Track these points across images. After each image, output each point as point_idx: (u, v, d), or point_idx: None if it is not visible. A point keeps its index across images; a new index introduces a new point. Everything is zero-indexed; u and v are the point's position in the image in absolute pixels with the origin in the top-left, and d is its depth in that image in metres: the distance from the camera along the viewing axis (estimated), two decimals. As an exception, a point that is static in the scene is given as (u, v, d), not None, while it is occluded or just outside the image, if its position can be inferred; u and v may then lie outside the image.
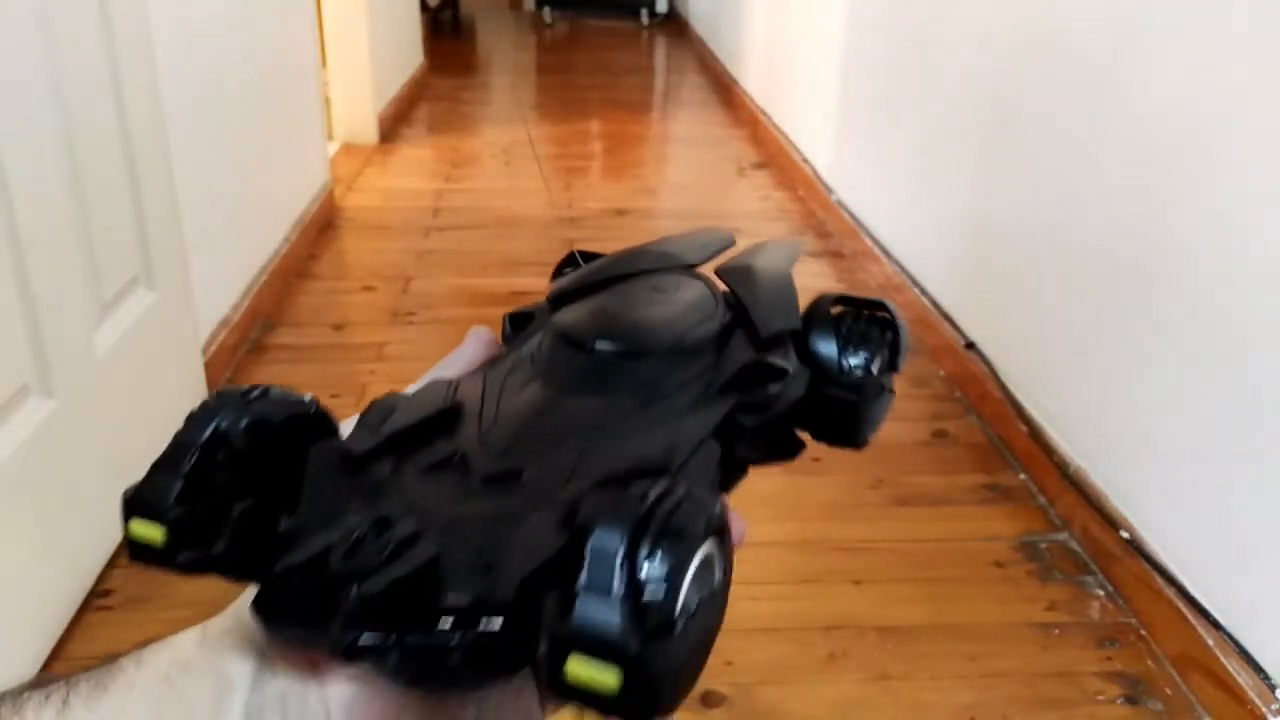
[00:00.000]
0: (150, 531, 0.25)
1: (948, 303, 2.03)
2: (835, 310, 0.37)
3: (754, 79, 3.82)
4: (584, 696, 0.20)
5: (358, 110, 3.36)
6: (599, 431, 0.28)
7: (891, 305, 0.36)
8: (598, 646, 0.20)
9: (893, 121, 2.37)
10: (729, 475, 0.31)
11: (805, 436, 0.36)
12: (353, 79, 3.33)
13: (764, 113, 3.57)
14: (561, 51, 5.68)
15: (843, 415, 0.35)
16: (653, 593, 0.21)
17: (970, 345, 1.88)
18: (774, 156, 3.33)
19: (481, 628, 0.22)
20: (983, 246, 1.89)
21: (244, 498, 0.26)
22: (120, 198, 1.41)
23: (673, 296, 0.34)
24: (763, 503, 1.55)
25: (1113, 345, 1.44)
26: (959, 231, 2.00)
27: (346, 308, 2.23)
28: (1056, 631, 1.32)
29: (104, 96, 1.36)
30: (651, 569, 0.21)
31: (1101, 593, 1.39)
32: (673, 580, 0.21)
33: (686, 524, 0.22)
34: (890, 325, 0.36)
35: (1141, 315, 1.37)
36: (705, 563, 0.22)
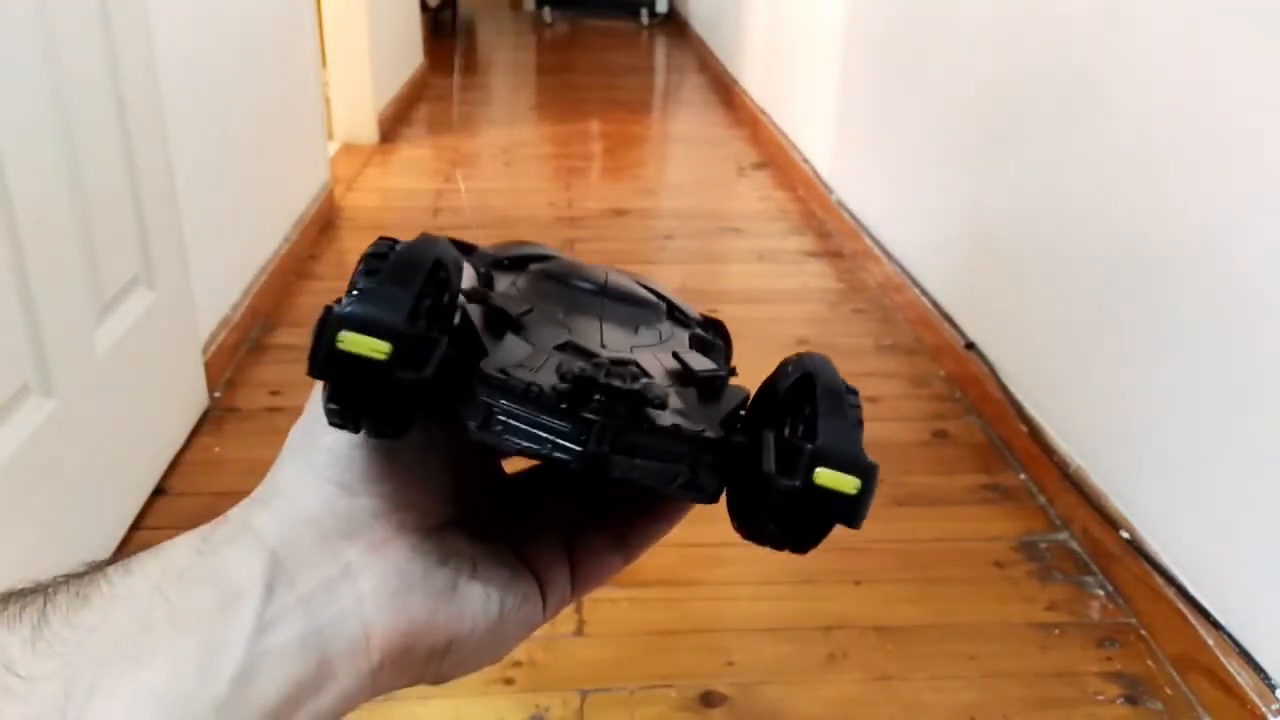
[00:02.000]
0: (373, 346, 0.25)
1: (948, 303, 2.03)
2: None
3: (754, 79, 3.82)
4: (819, 503, 0.27)
5: (358, 110, 3.36)
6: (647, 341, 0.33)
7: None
8: (844, 461, 0.27)
9: (893, 122, 2.37)
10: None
11: None
12: (353, 79, 3.33)
13: (764, 113, 3.57)
14: (561, 51, 5.68)
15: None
16: (860, 422, 0.28)
17: (970, 345, 1.88)
18: (774, 156, 3.33)
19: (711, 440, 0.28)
20: (983, 247, 1.89)
21: (447, 330, 0.27)
22: (120, 198, 1.41)
23: (617, 272, 0.38)
24: (763, 503, 1.55)
25: (1113, 345, 1.44)
26: (959, 231, 2.00)
27: (346, 308, 2.23)
28: (1056, 631, 1.32)
29: (104, 96, 1.36)
30: (857, 405, 0.29)
31: (1101, 593, 1.39)
32: (861, 414, 0.29)
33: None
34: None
35: (1142, 315, 1.38)
36: None
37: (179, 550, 0.27)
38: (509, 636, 0.31)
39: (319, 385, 0.29)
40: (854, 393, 0.30)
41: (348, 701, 0.27)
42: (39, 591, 0.26)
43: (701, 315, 0.39)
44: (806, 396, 0.29)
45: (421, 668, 0.29)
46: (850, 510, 0.27)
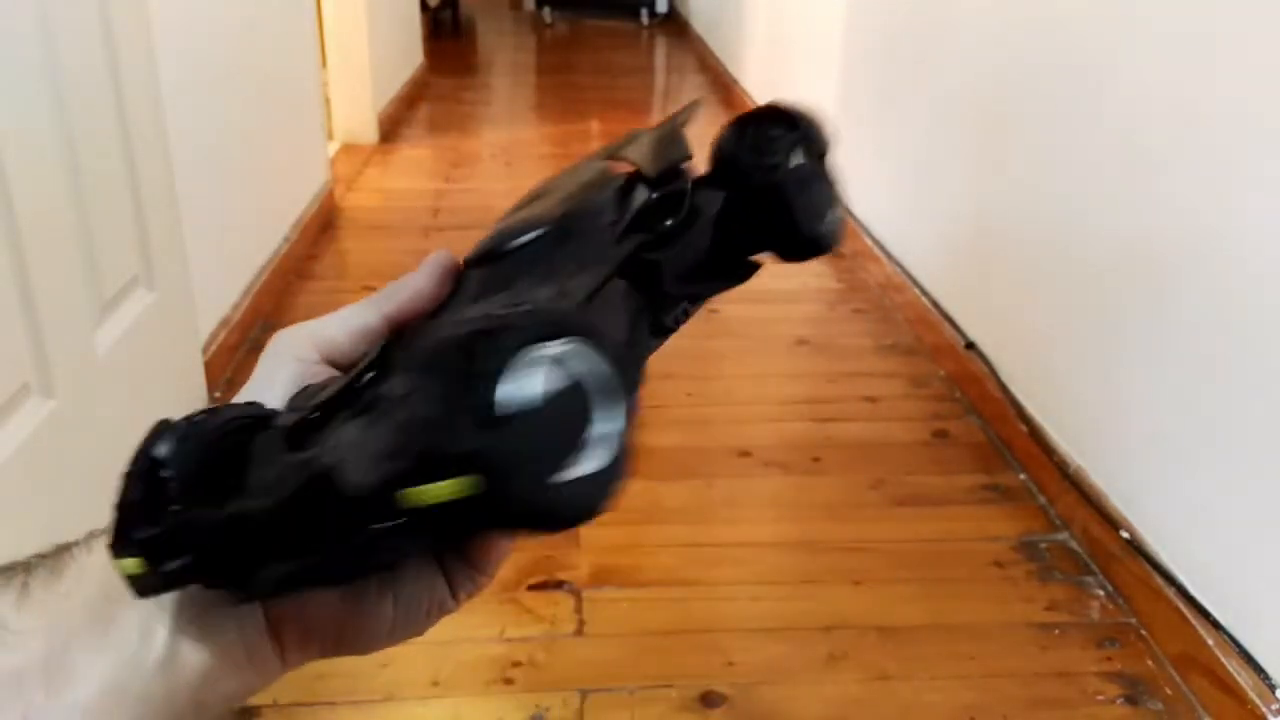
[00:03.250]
0: (131, 566, 0.27)
1: (948, 303, 2.03)
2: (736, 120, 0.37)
3: (754, 79, 3.82)
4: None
5: (358, 110, 3.36)
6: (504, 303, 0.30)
7: (791, 104, 0.36)
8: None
9: (893, 121, 2.37)
10: (665, 307, 0.34)
11: (769, 261, 0.37)
12: (353, 79, 3.33)
13: (764, 113, 3.56)
14: (561, 51, 5.68)
15: (773, 209, 0.35)
16: None
17: (970, 345, 1.88)
18: (774, 156, 3.32)
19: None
20: (983, 246, 1.89)
21: (207, 500, 0.27)
22: (120, 198, 1.41)
23: (571, 182, 0.36)
24: (763, 503, 1.55)
25: (1113, 345, 1.44)
26: (959, 231, 2.00)
27: (346, 308, 2.23)
28: (1056, 631, 1.32)
29: (104, 96, 1.36)
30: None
31: (1101, 593, 1.39)
32: None
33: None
34: (795, 122, 0.36)
35: (1142, 315, 1.38)
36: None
37: None
38: (413, 624, 0.33)
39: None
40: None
41: (261, 678, 0.31)
42: (18, 567, 0.30)
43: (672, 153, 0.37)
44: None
45: (322, 652, 0.32)
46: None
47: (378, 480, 0.22)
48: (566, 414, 0.22)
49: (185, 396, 1.66)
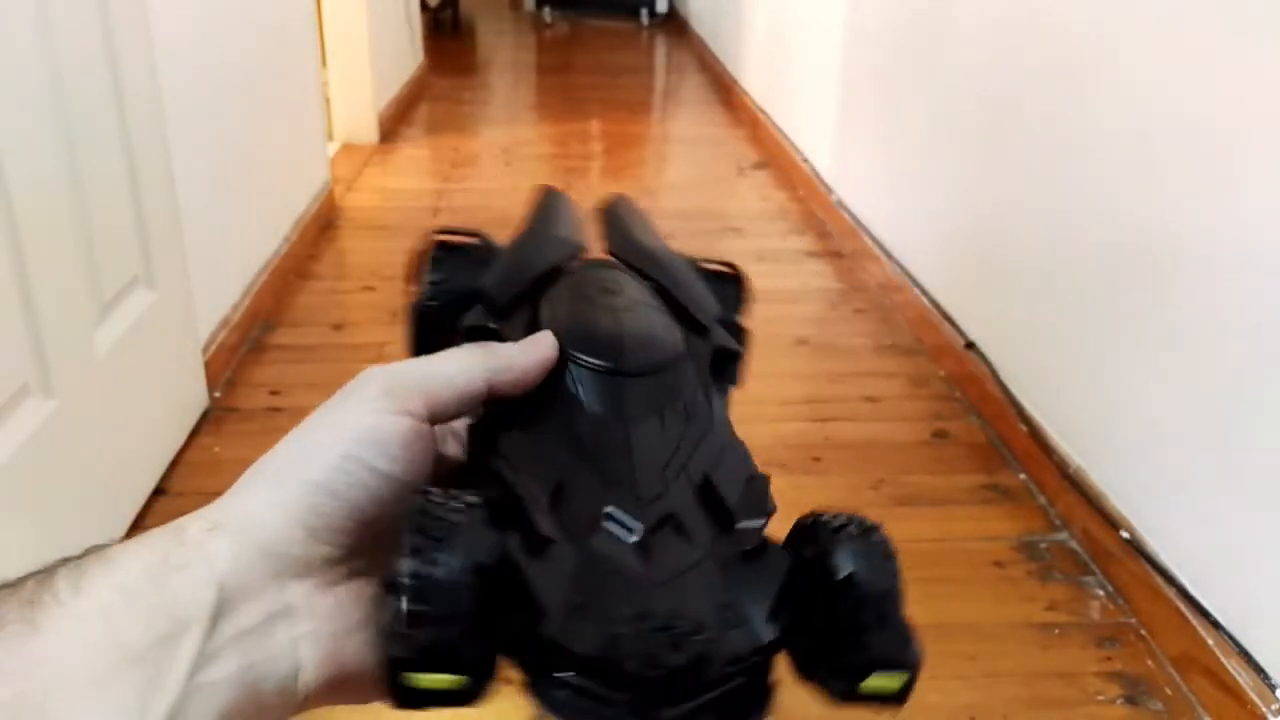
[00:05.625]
0: (449, 681, 0.25)
1: (948, 303, 2.03)
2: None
3: (754, 79, 3.82)
4: (868, 699, 0.28)
5: (358, 110, 3.36)
6: (681, 452, 0.31)
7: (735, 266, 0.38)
8: (895, 664, 0.27)
9: (893, 121, 2.37)
10: None
11: None
12: (353, 79, 3.33)
13: (764, 113, 3.57)
14: (561, 51, 5.68)
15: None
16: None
17: (970, 345, 1.88)
18: (774, 156, 3.33)
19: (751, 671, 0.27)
20: (983, 246, 1.89)
21: (494, 615, 0.26)
22: (120, 198, 1.41)
23: (632, 300, 0.36)
24: (763, 503, 1.55)
25: (1113, 345, 1.44)
26: (959, 231, 2.00)
27: (346, 308, 2.23)
28: (1056, 631, 1.32)
29: (104, 96, 1.36)
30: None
31: (1101, 593, 1.39)
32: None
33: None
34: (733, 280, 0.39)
35: (1142, 315, 1.38)
36: None
37: (132, 568, 0.27)
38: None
39: (317, 413, 0.30)
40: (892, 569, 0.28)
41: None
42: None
43: (715, 297, 0.39)
44: (848, 599, 0.27)
45: (347, 700, 0.30)
46: (897, 698, 0.28)
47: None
48: None
49: (185, 396, 1.67)
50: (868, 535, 0.28)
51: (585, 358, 0.32)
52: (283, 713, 0.28)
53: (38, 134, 1.19)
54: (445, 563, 0.25)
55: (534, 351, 0.32)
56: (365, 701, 0.30)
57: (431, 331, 0.36)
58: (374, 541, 0.30)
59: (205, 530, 0.28)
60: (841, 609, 0.28)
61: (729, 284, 0.40)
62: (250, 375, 1.87)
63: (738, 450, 0.32)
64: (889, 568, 0.28)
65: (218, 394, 1.78)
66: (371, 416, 0.30)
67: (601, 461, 0.30)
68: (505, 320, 0.34)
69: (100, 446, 1.33)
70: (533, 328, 0.34)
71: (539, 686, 0.26)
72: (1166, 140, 1.32)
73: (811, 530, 0.29)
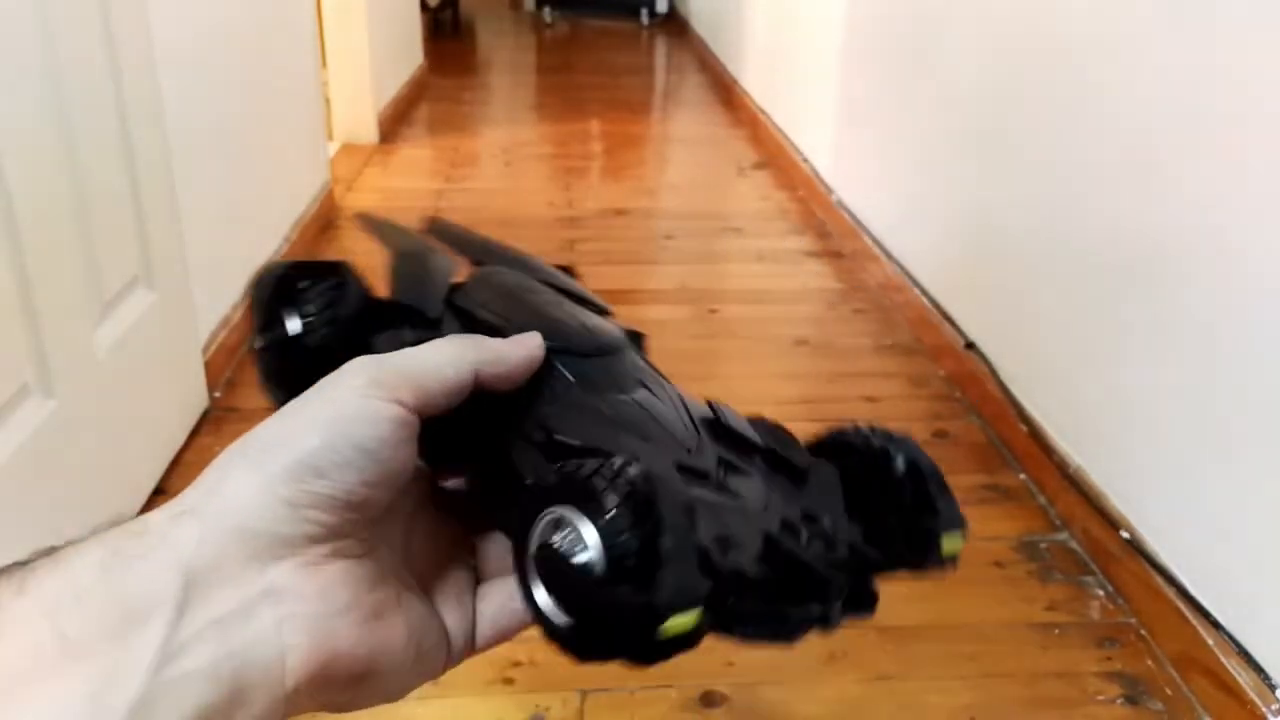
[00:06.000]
0: (693, 619, 0.26)
1: (948, 303, 2.03)
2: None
3: (754, 79, 3.82)
4: (942, 563, 0.32)
5: (358, 110, 3.36)
6: (681, 408, 0.35)
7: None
8: (959, 524, 0.32)
9: (893, 121, 2.37)
10: None
11: None
12: (353, 79, 3.33)
13: (764, 113, 3.57)
14: (561, 51, 5.69)
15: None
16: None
17: (970, 345, 1.88)
18: (774, 156, 3.33)
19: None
20: (983, 246, 1.89)
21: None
22: (120, 198, 1.41)
23: (555, 296, 0.39)
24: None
25: (1113, 345, 1.44)
26: (959, 231, 2.00)
27: (346, 308, 2.23)
28: (1056, 631, 1.32)
29: (104, 97, 1.36)
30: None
31: (1101, 593, 1.39)
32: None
33: None
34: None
35: (1142, 314, 1.38)
36: None
37: (83, 564, 0.25)
38: (415, 677, 0.31)
39: (297, 401, 0.29)
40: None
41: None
42: None
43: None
44: (907, 480, 0.33)
45: (337, 693, 0.29)
46: (955, 561, 0.33)
47: None
48: None
49: (185, 396, 1.67)
50: (903, 436, 0.34)
51: (562, 346, 0.34)
52: (269, 706, 0.26)
53: (38, 134, 1.19)
54: (649, 522, 0.26)
55: (523, 346, 0.32)
56: (343, 705, 0.29)
57: (311, 368, 0.34)
58: (362, 524, 0.29)
59: (170, 519, 0.27)
60: (914, 491, 0.33)
61: (571, 276, 0.42)
62: (250, 375, 1.86)
63: (702, 402, 0.35)
64: (927, 453, 0.34)
65: (218, 394, 1.78)
66: (360, 400, 0.29)
67: (631, 428, 0.32)
68: (437, 331, 0.35)
69: (100, 446, 1.33)
70: (476, 330, 0.34)
71: (726, 623, 0.27)
72: (1166, 140, 1.32)
73: (842, 443, 0.34)
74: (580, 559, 0.26)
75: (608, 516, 0.26)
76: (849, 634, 1.30)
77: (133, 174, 1.44)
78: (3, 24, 1.12)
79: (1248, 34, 1.18)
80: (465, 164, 3.35)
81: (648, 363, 0.37)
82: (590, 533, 0.26)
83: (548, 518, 0.27)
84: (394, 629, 0.30)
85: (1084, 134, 1.52)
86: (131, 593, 0.25)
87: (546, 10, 6.26)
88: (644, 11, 6.16)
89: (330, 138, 3.10)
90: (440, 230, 0.43)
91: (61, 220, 1.24)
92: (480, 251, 0.42)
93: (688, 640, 0.26)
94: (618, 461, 0.27)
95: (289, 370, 0.36)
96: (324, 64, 3.11)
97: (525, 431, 0.32)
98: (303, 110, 2.58)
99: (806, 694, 1.20)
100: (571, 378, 0.33)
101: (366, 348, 0.34)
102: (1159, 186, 1.34)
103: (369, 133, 3.39)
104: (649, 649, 0.26)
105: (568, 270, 0.42)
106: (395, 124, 3.63)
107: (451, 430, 0.31)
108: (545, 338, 0.34)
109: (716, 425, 0.34)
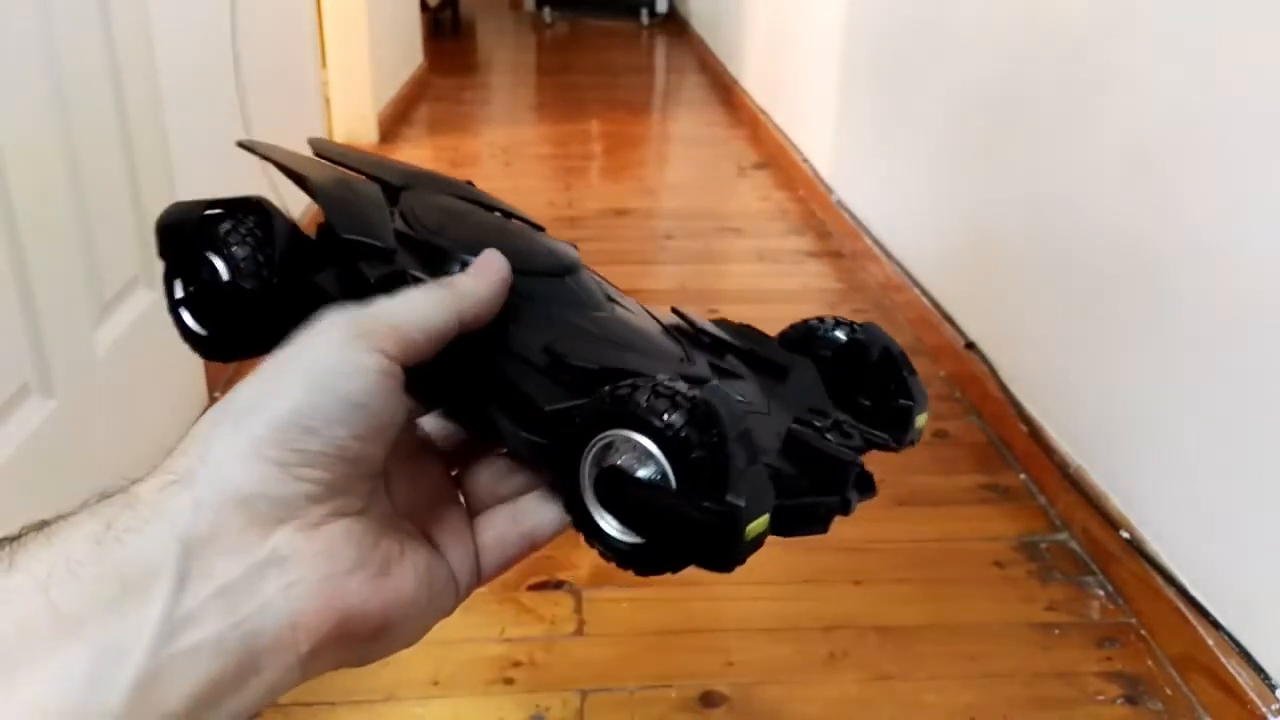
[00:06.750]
0: (765, 520, 0.28)
1: (948, 303, 2.03)
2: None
3: (754, 79, 3.82)
4: (916, 438, 0.36)
5: (358, 110, 3.36)
6: (653, 319, 0.37)
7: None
8: (925, 402, 0.37)
9: (893, 121, 2.37)
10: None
11: None
12: (353, 79, 3.33)
13: (764, 113, 3.57)
14: (561, 51, 5.68)
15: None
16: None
17: (970, 345, 1.88)
18: (774, 156, 3.33)
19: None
20: (983, 246, 1.89)
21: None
22: (120, 198, 1.41)
23: (496, 216, 0.39)
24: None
25: (1113, 345, 1.44)
26: (959, 231, 1.99)
27: (346, 308, 2.23)
28: (1056, 631, 1.32)
29: (104, 96, 1.36)
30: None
31: (1101, 593, 1.39)
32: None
33: None
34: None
35: (1142, 314, 1.37)
36: None
37: (75, 538, 0.25)
38: (430, 619, 0.31)
39: (275, 358, 0.28)
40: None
41: (273, 693, 0.26)
42: None
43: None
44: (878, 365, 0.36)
45: (354, 650, 0.28)
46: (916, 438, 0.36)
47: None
48: None
49: (185, 397, 1.67)
50: (865, 323, 0.36)
51: (528, 268, 0.34)
52: (283, 674, 0.26)
53: (38, 134, 1.19)
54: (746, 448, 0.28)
55: (490, 276, 0.32)
56: (374, 656, 0.29)
57: (248, 316, 0.33)
58: (358, 479, 0.28)
59: (160, 489, 0.26)
60: (889, 374, 0.36)
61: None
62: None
63: (667, 311, 0.37)
64: (894, 338, 0.37)
65: (218, 394, 1.78)
66: (342, 351, 0.28)
67: (628, 346, 0.33)
68: (393, 265, 0.33)
69: (100, 446, 1.33)
70: (433, 259, 0.33)
71: (774, 522, 0.29)
72: (1166, 139, 1.32)
73: (808, 335, 0.37)
74: (648, 476, 0.27)
75: (680, 434, 0.26)
76: (849, 634, 1.30)
77: (133, 174, 1.44)
78: (3, 25, 1.12)
79: (1249, 35, 1.18)
80: (465, 164, 3.35)
81: (601, 278, 0.37)
82: (658, 452, 0.27)
83: (600, 443, 0.28)
84: (403, 579, 0.29)
85: (1084, 134, 1.52)
86: (128, 564, 0.24)
87: (546, 10, 6.25)
88: (644, 11, 6.16)
89: (330, 137, 3.10)
90: (323, 149, 0.41)
91: (61, 220, 1.24)
92: (374, 169, 0.40)
93: (762, 540, 0.28)
94: (666, 380, 0.28)
95: (222, 320, 0.34)
96: (324, 64, 3.11)
97: (520, 357, 0.31)
98: (303, 110, 2.58)
99: (806, 694, 1.20)
100: (540, 300, 0.33)
101: (312, 288, 0.33)
102: (1159, 186, 1.34)
103: (369, 132, 3.39)
104: (732, 554, 0.27)
105: (469, 185, 0.42)
106: (395, 124, 3.63)
107: (429, 368, 0.31)
108: (511, 261, 0.33)
109: (693, 333, 0.35)
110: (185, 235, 0.35)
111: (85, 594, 0.23)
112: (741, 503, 0.26)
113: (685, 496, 0.27)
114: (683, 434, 0.26)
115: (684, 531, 0.27)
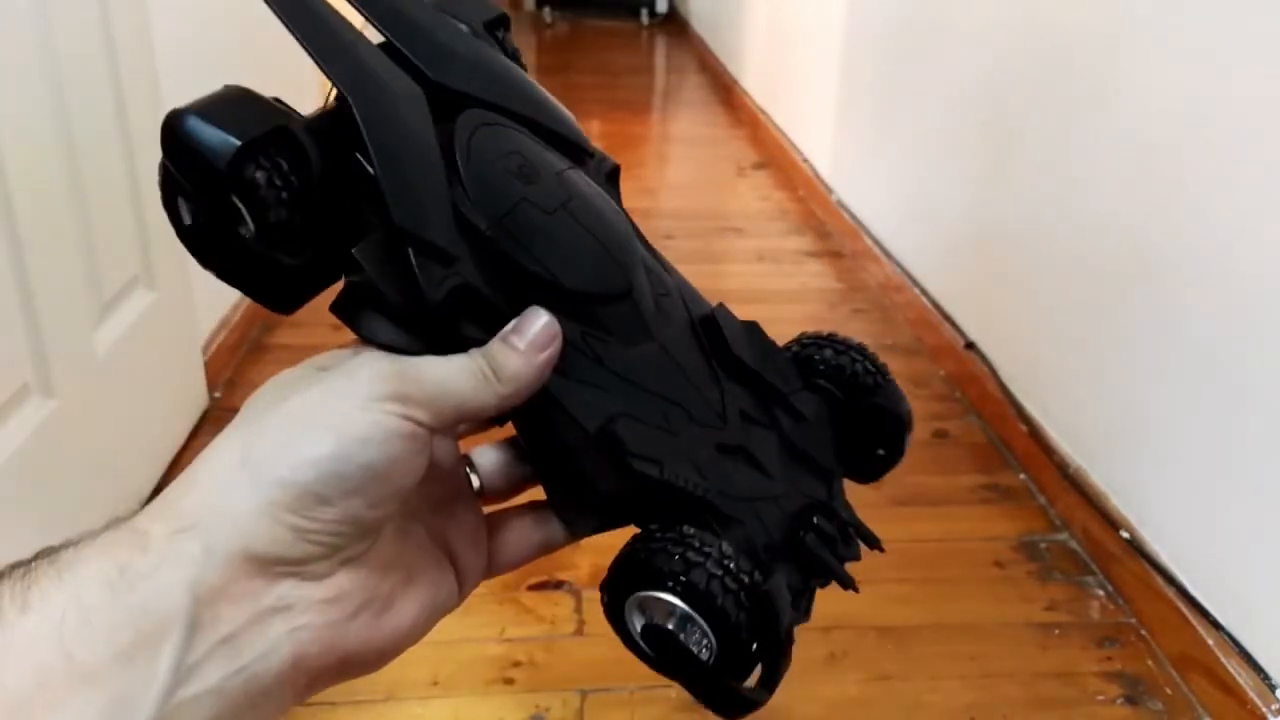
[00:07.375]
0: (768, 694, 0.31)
1: (948, 303, 2.03)
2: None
3: (754, 79, 3.82)
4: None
5: (358, 110, 3.36)
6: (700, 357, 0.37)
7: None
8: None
9: (893, 122, 2.37)
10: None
11: None
12: (353, 79, 3.33)
13: (764, 113, 3.57)
14: (561, 51, 5.68)
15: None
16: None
17: (970, 345, 1.88)
18: (774, 156, 3.33)
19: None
20: (983, 246, 1.89)
21: None
22: (120, 198, 1.41)
23: (579, 194, 0.38)
24: (763, 503, 1.55)
25: (1113, 345, 1.44)
26: (959, 231, 2.00)
27: (346, 308, 2.23)
28: (1056, 631, 1.32)
29: (104, 96, 1.36)
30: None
31: (1101, 593, 1.39)
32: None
33: None
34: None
35: (1142, 315, 1.38)
36: None
37: (86, 577, 0.25)
38: (430, 625, 0.32)
39: (309, 394, 0.29)
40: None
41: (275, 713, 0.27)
42: None
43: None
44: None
45: (352, 677, 0.29)
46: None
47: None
48: None
49: (185, 396, 1.67)
50: (889, 380, 0.38)
51: (593, 292, 0.32)
52: (280, 705, 0.27)
53: (38, 134, 1.19)
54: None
55: (538, 357, 0.29)
56: (370, 672, 0.30)
57: (275, 270, 0.29)
58: (370, 534, 0.28)
59: (172, 533, 0.26)
60: (892, 435, 0.38)
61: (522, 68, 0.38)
62: (250, 375, 1.87)
63: (709, 304, 0.38)
64: (901, 391, 0.39)
65: (218, 394, 1.78)
66: (374, 415, 0.27)
67: (665, 393, 0.33)
68: (454, 270, 0.29)
69: (100, 446, 1.33)
70: (511, 281, 0.30)
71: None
72: (1166, 140, 1.32)
73: (837, 373, 0.39)
74: (693, 647, 0.28)
75: (730, 624, 0.28)
76: (849, 634, 1.30)
77: (133, 174, 1.44)
78: (2, 24, 1.12)
79: (1252, 38, 1.18)
80: (465, 164, 3.35)
81: (650, 250, 0.37)
82: (711, 635, 0.28)
83: (652, 595, 0.28)
84: (407, 608, 0.30)
85: (1085, 135, 1.52)
86: (141, 613, 0.24)
87: (546, 10, 6.25)
88: (644, 11, 6.15)
89: (330, 138, 3.09)
90: None
91: (61, 220, 1.24)
92: (416, 40, 0.35)
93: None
94: (730, 560, 0.28)
95: (230, 264, 0.31)
96: (324, 64, 3.10)
97: (575, 422, 0.30)
98: (302, 109, 2.57)
99: (806, 694, 1.20)
100: (603, 328, 0.32)
101: (353, 227, 0.29)
102: (1159, 186, 1.34)
103: (369, 133, 3.38)
104: (727, 711, 0.29)
105: (516, 58, 0.39)
106: (395, 124, 3.63)
107: None
108: (569, 284, 0.31)
109: (726, 355, 0.36)
110: (212, 175, 0.30)
111: (100, 642, 0.24)
112: (757, 691, 0.28)
113: (715, 670, 0.28)
114: (734, 624, 0.28)
115: (705, 695, 0.29)
